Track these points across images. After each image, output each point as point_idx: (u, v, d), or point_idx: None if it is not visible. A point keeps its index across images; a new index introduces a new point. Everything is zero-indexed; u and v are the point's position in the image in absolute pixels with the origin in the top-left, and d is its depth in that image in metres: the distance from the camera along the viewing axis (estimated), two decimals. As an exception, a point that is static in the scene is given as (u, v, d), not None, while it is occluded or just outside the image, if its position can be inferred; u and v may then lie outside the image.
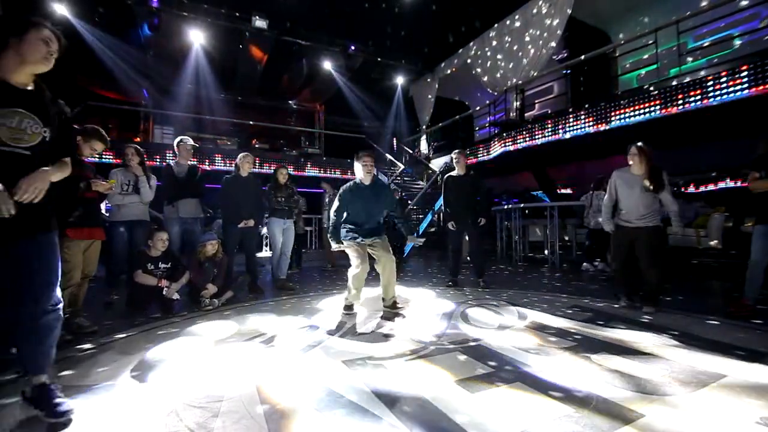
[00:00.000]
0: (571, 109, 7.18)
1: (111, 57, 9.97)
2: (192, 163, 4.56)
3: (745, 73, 4.87)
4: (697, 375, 1.91)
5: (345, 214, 3.42)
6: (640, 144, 3.35)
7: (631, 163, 3.38)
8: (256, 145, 12.14)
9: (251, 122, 12.47)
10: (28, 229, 1.58)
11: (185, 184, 4.30)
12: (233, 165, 4.64)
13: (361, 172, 3.37)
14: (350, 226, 3.39)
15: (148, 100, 11.66)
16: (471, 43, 10.66)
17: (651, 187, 3.24)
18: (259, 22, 9.78)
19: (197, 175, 4.44)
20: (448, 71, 11.81)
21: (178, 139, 4.48)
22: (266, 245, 8.74)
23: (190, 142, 4.49)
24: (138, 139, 10.45)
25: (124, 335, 2.78)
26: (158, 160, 8.92)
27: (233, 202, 4.35)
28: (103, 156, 7.39)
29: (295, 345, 2.53)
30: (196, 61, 10.83)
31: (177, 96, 11.25)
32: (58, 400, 1.58)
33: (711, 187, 10.16)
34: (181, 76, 11.03)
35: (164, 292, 3.45)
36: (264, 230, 6.43)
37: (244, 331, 2.86)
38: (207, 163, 9.72)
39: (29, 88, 1.58)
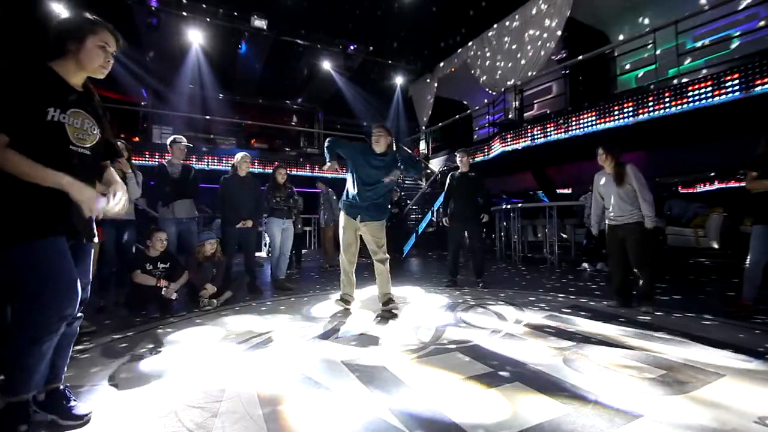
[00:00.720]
0: (570, 109, 7.20)
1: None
2: (185, 162, 4.52)
3: (741, 74, 4.89)
4: (696, 374, 1.91)
5: (349, 175, 3.43)
6: (605, 145, 3.55)
7: (602, 164, 3.57)
8: (255, 145, 12.14)
9: (250, 122, 12.47)
10: (90, 234, 1.64)
11: (179, 184, 4.26)
12: (231, 165, 4.62)
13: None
14: (347, 197, 3.41)
15: (146, 100, 11.65)
16: (470, 43, 10.67)
17: (615, 181, 3.43)
18: (258, 22, 9.78)
19: (191, 174, 4.40)
20: (448, 71, 11.82)
21: (171, 138, 4.43)
22: (265, 245, 8.75)
23: (184, 141, 4.45)
24: (136, 139, 10.44)
25: (122, 335, 2.78)
26: (156, 157, 8.92)
27: (231, 203, 4.34)
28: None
29: (294, 345, 2.52)
30: (195, 61, 10.83)
31: (176, 96, 11.25)
32: (73, 403, 1.57)
33: (709, 186, 10.19)
34: (180, 76, 11.03)
35: (163, 292, 3.45)
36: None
37: (242, 331, 2.86)
38: (207, 162, 9.71)
39: (81, 89, 1.60)
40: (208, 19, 9.80)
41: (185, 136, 4.63)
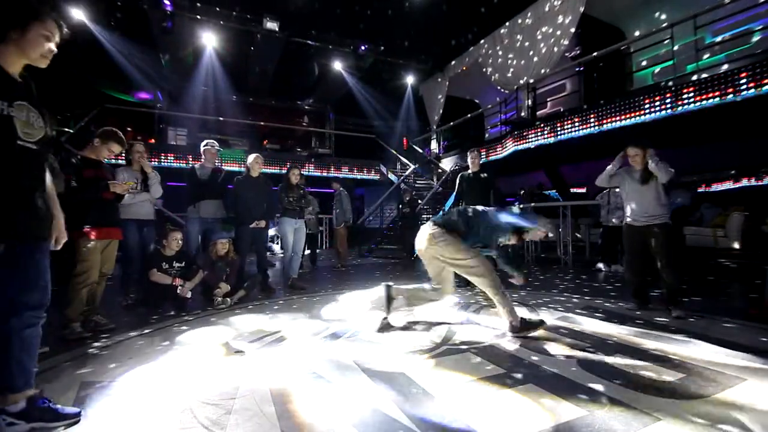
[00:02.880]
0: (584, 107, 7.07)
1: (126, 60, 10.19)
2: (216, 166, 4.66)
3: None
4: (716, 378, 1.86)
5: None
6: (638, 142, 3.36)
7: (633, 163, 3.39)
8: (267, 146, 12.27)
9: (262, 123, 12.61)
10: (36, 234, 1.53)
11: (207, 185, 4.39)
12: (244, 166, 4.70)
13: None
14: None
15: (162, 102, 11.88)
16: (482, 41, 10.58)
17: (641, 180, 3.29)
18: (270, 24, 9.87)
19: (221, 177, 4.53)
20: (459, 70, 11.73)
21: (204, 143, 4.59)
22: (277, 244, 8.83)
23: (217, 146, 4.60)
24: (152, 141, 10.66)
25: (139, 333, 2.84)
26: (171, 159, 9.08)
27: (244, 203, 4.40)
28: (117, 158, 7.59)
29: (307, 344, 2.54)
30: (209, 63, 11.00)
31: (190, 98, 11.44)
32: (57, 405, 1.53)
33: (729, 185, 9.89)
34: (194, 78, 11.21)
35: (178, 291, 3.52)
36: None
37: (255, 329, 2.89)
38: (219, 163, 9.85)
39: (20, 79, 1.51)
40: (221, 22, 9.94)
41: (199, 138, 4.74)
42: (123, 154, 3.83)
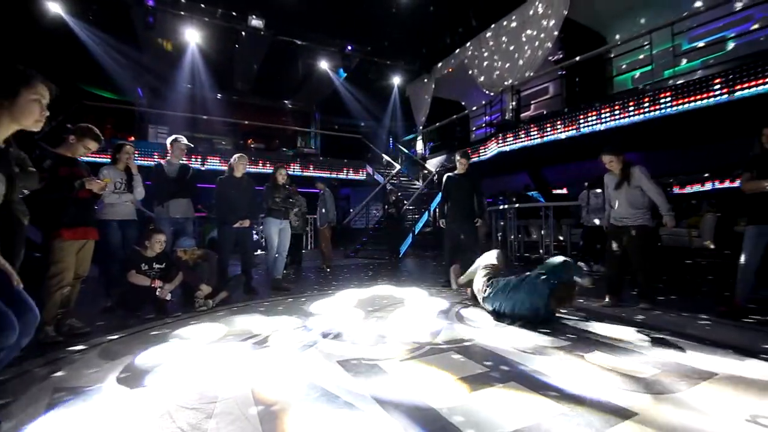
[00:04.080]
0: (566, 110, 7.22)
1: (106, 56, 9.92)
2: (183, 162, 4.50)
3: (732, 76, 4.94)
4: (689, 373, 1.92)
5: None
6: (611, 149, 3.52)
7: (609, 168, 3.58)
8: (252, 145, 12.11)
9: (246, 122, 12.44)
10: None
11: (176, 183, 4.23)
12: (227, 165, 4.60)
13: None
14: None
15: (143, 99, 11.60)
16: (468, 44, 10.70)
17: (621, 184, 3.46)
18: (256, 22, 9.76)
19: (189, 174, 4.37)
20: (445, 72, 11.83)
21: (172, 137, 4.42)
22: (262, 245, 8.73)
23: (185, 141, 4.44)
24: (132, 138, 10.40)
25: (116, 336, 2.76)
26: (155, 157, 8.87)
27: (228, 203, 4.33)
28: (97, 156, 7.38)
29: (290, 345, 2.52)
30: (192, 61, 10.80)
31: (172, 95, 11.21)
32: None
33: (699, 187, 10.22)
34: (177, 76, 10.99)
35: (157, 293, 3.42)
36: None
37: (238, 331, 2.85)
38: (199, 162, 9.68)
39: (2, 144, 1.49)
40: (206, 19, 9.77)
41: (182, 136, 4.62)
42: (111, 154, 3.76)
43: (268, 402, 1.69)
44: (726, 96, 5.03)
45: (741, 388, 1.75)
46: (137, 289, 3.41)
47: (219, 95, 12.29)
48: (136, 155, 3.84)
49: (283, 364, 2.18)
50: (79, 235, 2.81)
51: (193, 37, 10.12)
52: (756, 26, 6.15)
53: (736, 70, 5.00)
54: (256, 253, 7.97)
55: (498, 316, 3.10)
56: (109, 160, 3.86)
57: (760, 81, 4.75)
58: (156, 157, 8.52)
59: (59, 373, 2.06)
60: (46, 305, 2.60)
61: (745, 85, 4.88)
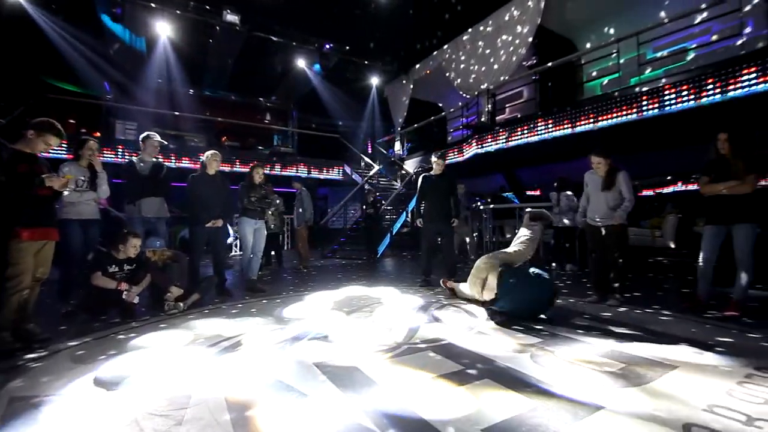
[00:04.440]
0: (539, 114, 7.42)
1: (70, 47, 9.42)
2: (157, 159, 4.35)
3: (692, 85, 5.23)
4: (652, 367, 2.02)
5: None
6: (600, 151, 3.65)
7: (596, 168, 3.70)
8: (227, 143, 11.81)
9: (220, 119, 12.12)
10: None
11: (149, 181, 4.09)
12: (200, 163, 4.46)
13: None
14: None
15: (110, 94, 11.09)
16: (445, 47, 10.83)
17: (604, 186, 3.60)
18: (231, 17, 9.54)
19: (162, 172, 4.23)
20: (423, 73, 11.93)
21: (144, 134, 4.28)
22: (236, 246, 8.53)
23: (158, 138, 4.30)
24: (98, 134, 9.92)
25: (79, 342, 2.62)
26: (122, 152, 8.51)
27: (200, 202, 4.19)
28: (56, 151, 7.00)
29: (264, 348, 2.47)
30: (164, 54, 10.42)
31: (141, 90, 10.77)
32: None
33: (666, 189, 10.77)
34: (146, 70, 10.57)
35: (123, 296, 3.26)
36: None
37: (211, 335, 2.77)
38: (173, 160, 9.35)
39: None
40: (177, 11, 9.46)
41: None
42: (74, 150, 3.58)
43: (242, 406, 1.66)
44: (691, 103, 5.29)
45: (700, 380, 1.86)
46: (101, 291, 3.24)
47: (192, 91, 11.91)
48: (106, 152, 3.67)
49: (257, 367, 2.13)
50: (39, 236, 2.65)
51: (164, 29, 9.77)
52: (715, 38, 6.53)
53: (695, 79, 5.29)
54: (231, 254, 7.79)
55: (501, 313, 3.18)
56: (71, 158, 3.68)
57: (718, 90, 5.04)
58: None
59: (16, 382, 1.94)
60: (3, 309, 2.46)
61: (703, 94, 5.17)
